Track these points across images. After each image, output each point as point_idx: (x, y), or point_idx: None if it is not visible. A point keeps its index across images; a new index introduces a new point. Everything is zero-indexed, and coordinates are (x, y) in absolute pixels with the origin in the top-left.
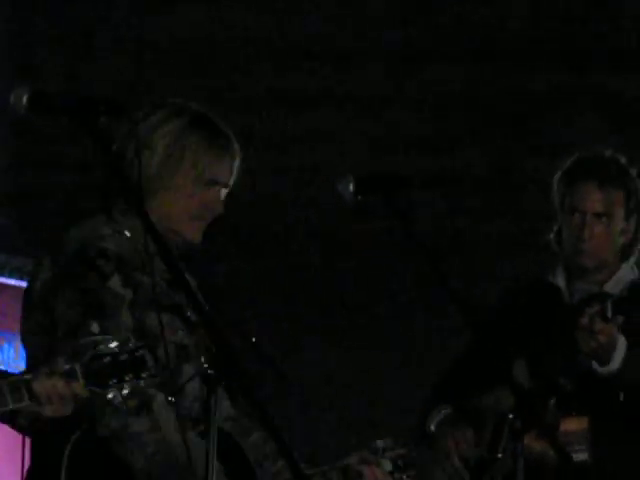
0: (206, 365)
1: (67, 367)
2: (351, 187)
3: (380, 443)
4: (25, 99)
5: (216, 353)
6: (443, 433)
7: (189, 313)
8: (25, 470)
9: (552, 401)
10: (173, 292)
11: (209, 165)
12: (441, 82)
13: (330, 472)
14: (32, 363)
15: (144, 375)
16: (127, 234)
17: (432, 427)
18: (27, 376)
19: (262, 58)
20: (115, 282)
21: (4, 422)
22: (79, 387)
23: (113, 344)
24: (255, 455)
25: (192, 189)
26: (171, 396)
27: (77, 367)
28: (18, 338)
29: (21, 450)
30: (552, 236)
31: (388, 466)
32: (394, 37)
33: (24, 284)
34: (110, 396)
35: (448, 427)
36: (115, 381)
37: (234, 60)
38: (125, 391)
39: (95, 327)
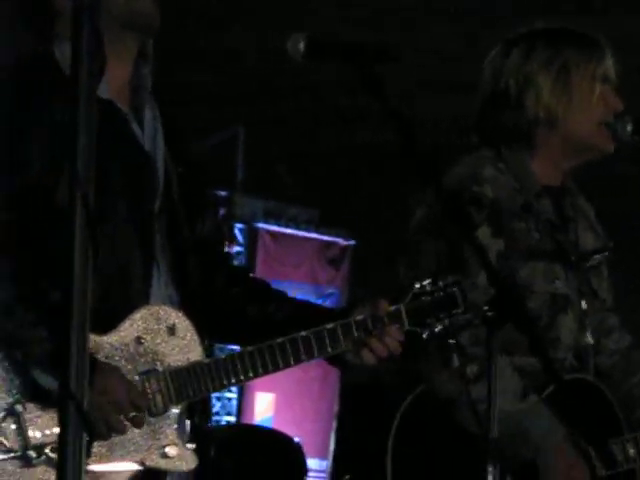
0: (486, 307)
1: (393, 308)
2: (629, 128)
3: None
4: (302, 46)
5: (497, 294)
6: None
7: (573, 257)
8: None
9: None
10: (562, 234)
11: (596, 66)
12: None
13: None
14: None
15: (456, 312)
16: (510, 174)
17: None
18: (358, 317)
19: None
20: (484, 232)
21: (335, 365)
22: (398, 331)
23: (426, 282)
24: (634, 395)
25: (591, 95)
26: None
27: (402, 308)
28: (296, 286)
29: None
30: None
31: None
32: None
33: (300, 233)
34: (424, 336)
35: None
36: (431, 320)
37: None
38: (437, 329)
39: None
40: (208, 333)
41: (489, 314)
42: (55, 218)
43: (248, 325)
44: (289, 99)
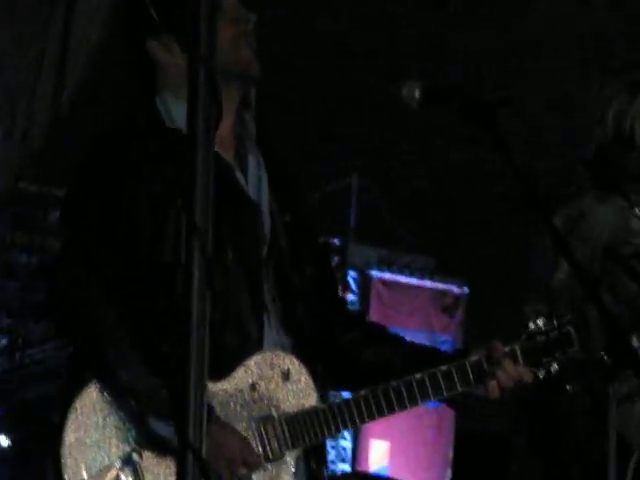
0: (602, 352)
1: (507, 349)
2: None
3: None
4: (418, 93)
5: (613, 338)
6: None
7: None
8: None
9: None
10: None
11: None
12: None
13: None
14: None
15: (572, 350)
16: None
17: None
18: (473, 358)
19: None
20: None
21: (450, 405)
22: (522, 369)
23: (540, 321)
24: None
25: None
26: None
27: (517, 348)
28: (410, 334)
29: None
30: None
31: None
32: None
33: (413, 281)
34: (540, 376)
35: None
36: (547, 359)
37: None
38: (553, 368)
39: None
40: (322, 379)
41: (606, 359)
42: (163, 271)
43: (363, 371)
44: (402, 147)
